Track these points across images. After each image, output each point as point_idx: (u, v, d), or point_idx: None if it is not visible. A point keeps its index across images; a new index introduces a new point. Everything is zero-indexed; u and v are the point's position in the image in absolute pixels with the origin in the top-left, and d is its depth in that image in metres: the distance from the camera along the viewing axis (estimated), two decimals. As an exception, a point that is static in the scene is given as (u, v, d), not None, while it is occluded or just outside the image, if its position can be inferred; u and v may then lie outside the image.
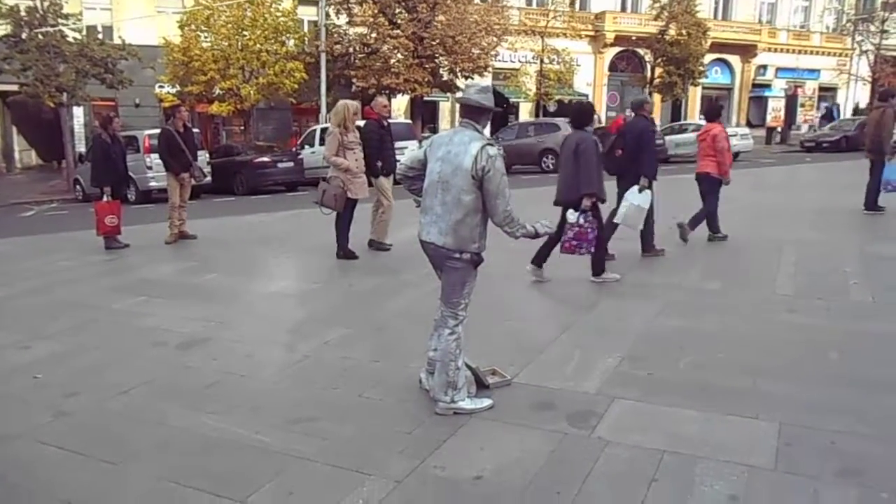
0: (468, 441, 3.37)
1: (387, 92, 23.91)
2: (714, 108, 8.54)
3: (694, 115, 34.64)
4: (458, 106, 3.74)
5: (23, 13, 22.13)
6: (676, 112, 34.02)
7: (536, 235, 3.66)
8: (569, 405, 3.70)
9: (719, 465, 3.00)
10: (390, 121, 8.60)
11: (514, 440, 3.35)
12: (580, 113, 6.29)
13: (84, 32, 23.69)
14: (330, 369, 4.38)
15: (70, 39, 22.71)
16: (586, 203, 5.82)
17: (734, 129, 25.17)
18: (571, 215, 5.79)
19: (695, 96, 34.96)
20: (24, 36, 21.96)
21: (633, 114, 7.28)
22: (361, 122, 8.11)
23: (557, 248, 6.05)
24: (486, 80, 28.79)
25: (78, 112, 24.99)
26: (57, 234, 10.94)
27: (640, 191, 6.78)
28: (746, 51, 35.64)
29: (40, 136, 29.47)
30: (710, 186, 7.90)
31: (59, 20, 22.72)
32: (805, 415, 3.47)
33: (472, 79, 25.88)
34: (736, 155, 22.85)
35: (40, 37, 21.92)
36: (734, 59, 36.09)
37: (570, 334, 4.87)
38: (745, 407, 3.56)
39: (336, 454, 3.26)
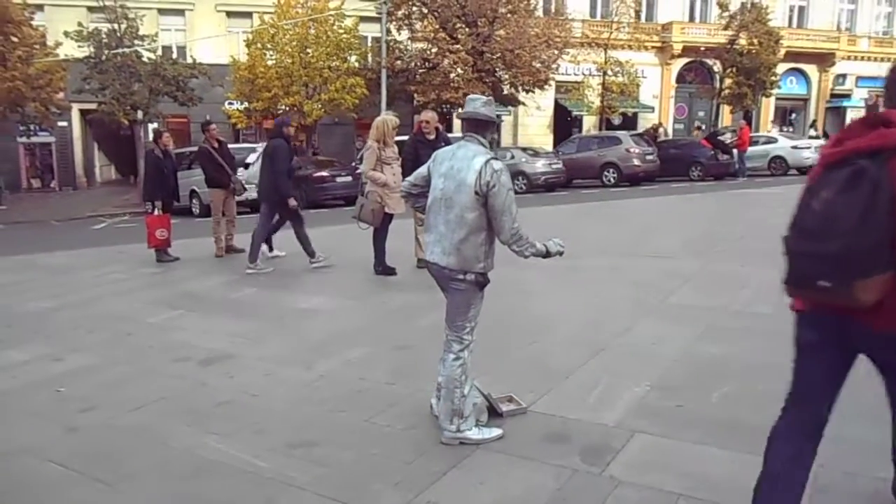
0: (469, 474, 3.16)
1: (447, 107, 23.97)
2: None
3: (767, 126, 33.35)
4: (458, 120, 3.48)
5: (103, 36, 23.30)
6: (748, 124, 32.75)
7: (548, 255, 3.43)
8: (584, 438, 3.45)
9: (739, 514, 2.70)
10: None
11: (518, 475, 3.13)
12: None
13: (159, 53, 24.73)
14: (343, 391, 4.26)
15: (145, 59, 23.74)
16: None
17: (808, 141, 23.99)
18: None
19: (767, 107, 33.64)
20: (102, 57, 23.08)
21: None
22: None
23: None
24: (549, 93, 28.58)
25: (152, 129, 26.08)
26: (116, 246, 11.28)
27: None
28: (824, 59, 34.08)
29: (118, 151, 30.89)
30: None
31: (136, 41, 23.81)
32: (847, 458, 3.11)
33: (534, 92, 25.67)
34: (810, 168, 21.83)
35: (118, 58, 23.00)
36: (810, 69, 34.56)
37: (600, 359, 4.59)
38: (779, 447, 3.22)
39: (330, 483, 3.12)
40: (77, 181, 29.50)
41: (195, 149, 19.37)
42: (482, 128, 3.39)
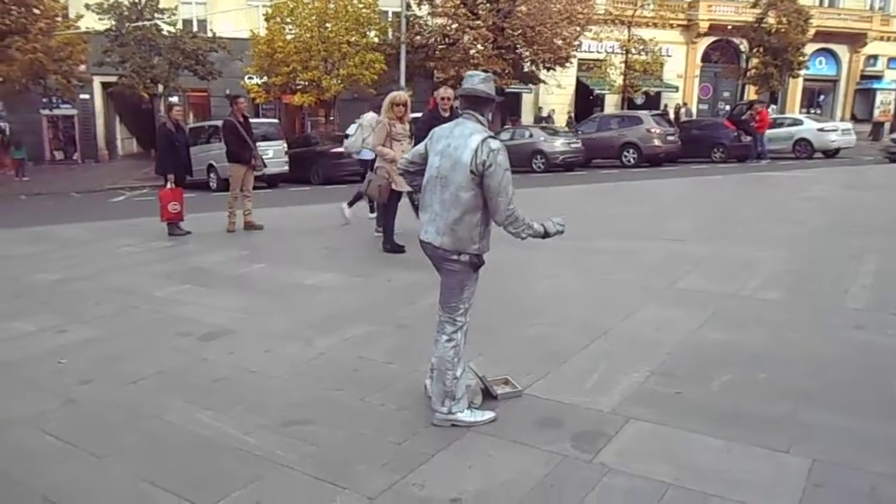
0: (458, 457, 3.13)
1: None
2: None
3: (794, 107, 32.68)
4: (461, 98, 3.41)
5: (124, 9, 23.34)
6: (766, 106, 32.03)
7: (546, 235, 3.36)
8: (578, 423, 3.39)
9: (729, 506, 2.65)
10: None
11: (507, 459, 3.09)
12: None
13: (179, 26, 24.72)
14: (341, 369, 4.24)
15: (165, 33, 23.76)
16: None
17: (834, 123, 23.45)
18: None
19: (795, 88, 32.95)
20: (123, 30, 23.14)
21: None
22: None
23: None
24: (570, 71, 28.18)
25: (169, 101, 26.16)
26: (130, 219, 11.38)
27: None
28: (855, 40, 33.25)
29: (139, 125, 31.09)
30: None
31: (156, 15, 23.81)
32: (846, 451, 3.03)
33: (555, 70, 25.32)
34: (836, 151, 21.37)
35: (139, 31, 23.04)
36: (841, 49, 33.77)
37: (601, 342, 4.52)
38: (776, 438, 3.15)
39: (318, 463, 3.11)
40: (99, 154, 29.76)
41: (215, 122, 19.50)
42: (481, 105, 3.30)
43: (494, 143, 3.14)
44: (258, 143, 10.27)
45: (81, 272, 7.27)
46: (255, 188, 10.21)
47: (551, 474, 2.95)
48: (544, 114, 29.12)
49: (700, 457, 3.04)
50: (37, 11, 21.67)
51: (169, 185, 9.22)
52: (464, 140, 3.18)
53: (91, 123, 29.57)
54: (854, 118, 31.48)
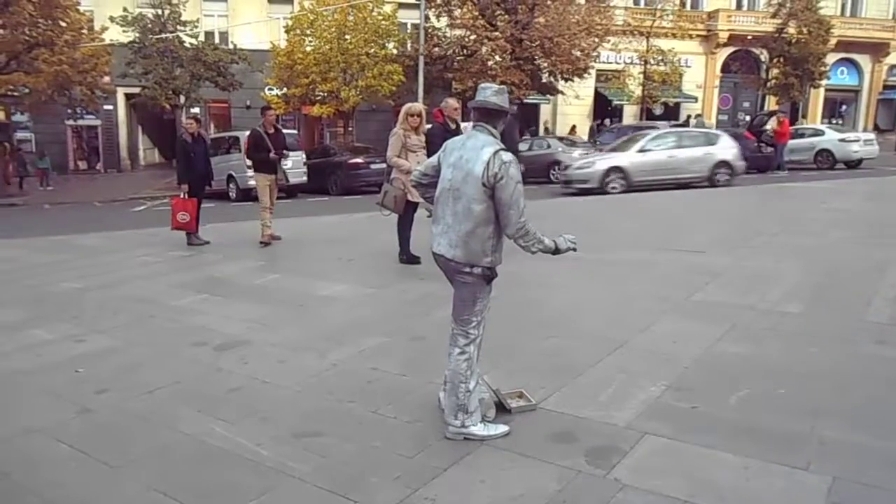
0: (470, 471, 3.10)
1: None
2: None
3: (816, 118, 32.34)
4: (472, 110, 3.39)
5: (147, 21, 23.72)
6: (794, 115, 31.75)
7: (557, 251, 3.33)
8: (592, 438, 3.35)
9: (745, 525, 2.59)
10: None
11: (520, 474, 3.05)
12: None
13: (201, 38, 25.07)
14: (354, 380, 4.23)
15: (187, 45, 24.09)
16: None
17: (856, 134, 23.16)
18: None
19: (816, 99, 32.60)
20: (146, 42, 23.51)
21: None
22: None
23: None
24: (589, 82, 28.11)
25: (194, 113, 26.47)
26: (150, 228, 11.47)
27: None
28: (877, 50, 32.89)
29: (161, 135, 31.47)
30: None
31: (178, 27, 24.17)
32: (867, 469, 2.96)
33: (573, 81, 25.29)
34: (858, 162, 21.09)
35: (161, 43, 23.39)
36: (863, 59, 33.42)
37: (617, 356, 4.47)
38: (795, 455, 3.09)
39: (329, 475, 3.09)
40: (122, 164, 30.16)
41: (234, 133, 19.72)
42: (493, 117, 3.29)
43: (506, 156, 3.13)
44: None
45: (101, 281, 7.34)
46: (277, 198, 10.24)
47: (564, 490, 2.91)
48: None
49: (716, 473, 2.99)
50: (63, 24, 22.07)
51: (182, 195, 9.29)
52: (476, 152, 3.18)
53: (114, 134, 30.02)
54: (877, 128, 31.11)
